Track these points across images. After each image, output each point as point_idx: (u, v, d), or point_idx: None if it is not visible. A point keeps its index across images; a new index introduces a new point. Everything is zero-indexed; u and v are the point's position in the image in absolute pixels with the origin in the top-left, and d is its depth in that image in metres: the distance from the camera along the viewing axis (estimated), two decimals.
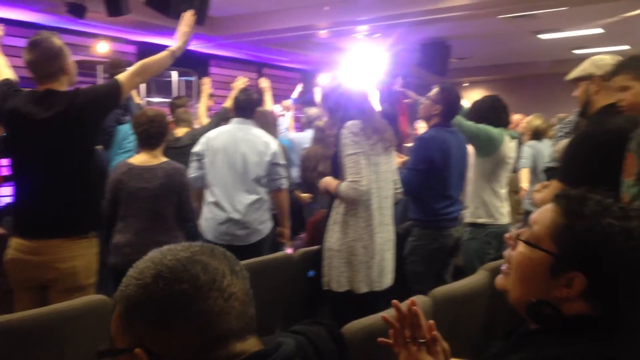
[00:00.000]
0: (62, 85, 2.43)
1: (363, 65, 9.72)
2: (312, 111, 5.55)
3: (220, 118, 4.38)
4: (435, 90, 3.31)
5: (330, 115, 2.76)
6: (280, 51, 9.31)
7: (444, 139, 3.21)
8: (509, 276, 1.08)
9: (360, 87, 2.77)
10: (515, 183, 5.08)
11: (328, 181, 2.70)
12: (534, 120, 5.45)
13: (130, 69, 2.48)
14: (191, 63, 8.50)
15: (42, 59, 2.38)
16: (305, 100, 8.92)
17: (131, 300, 0.81)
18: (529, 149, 5.18)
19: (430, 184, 3.03)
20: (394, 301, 1.25)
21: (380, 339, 1.29)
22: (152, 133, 2.98)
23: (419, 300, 1.86)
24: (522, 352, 0.97)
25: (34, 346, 1.76)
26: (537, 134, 5.27)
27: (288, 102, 6.55)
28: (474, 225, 3.39)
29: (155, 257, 0.83)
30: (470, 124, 3.34)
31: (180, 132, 4.68)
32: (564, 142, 4.04)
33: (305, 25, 7.29)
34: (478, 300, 2.17)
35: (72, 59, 2.50)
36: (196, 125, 4.82)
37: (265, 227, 3.45)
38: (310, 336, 1.49)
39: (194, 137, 4.05)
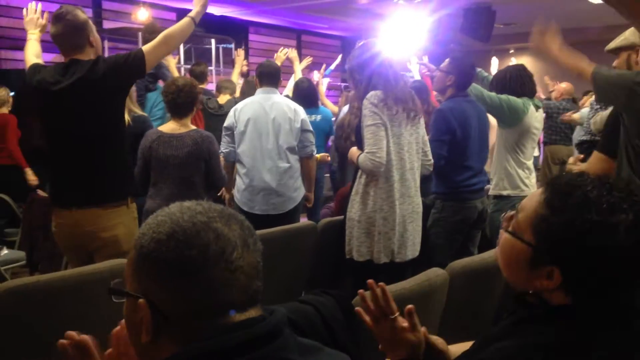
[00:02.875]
0: (88, 56, 2.47)
1: (404, 32, 9.53)
2: None
3: (251, 87, 4.41)
4: (446, 61, 3.23)
5: (354, 85, 2.73)
6: (320, 17, 9.20)
7: (463, 109, 3.14)
8: (499, 259, 1.08)
9: (385, 54, 2.71)
10: None
11: (352, 151, 2.69)
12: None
13: (153, 42, 2.50)
14: (230, 30, 8.51)
15: (66, 32, 2.43)
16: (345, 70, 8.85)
17: (144, 250, 0.83)
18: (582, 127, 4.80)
19: (451, 155, 2.96)
20: (369, 281, 1.27)
21: (357, 308, 1.32)
22: (180, 102, 3.03)
23: (435, 274, 1.86)
24: (504, 341, 0.97)
25: (61, 307, 1.84)
26: None
27: (318, 75, 6.48)
28: (498, 197, 3.35)
29: (174, 213, 0.84)
30: (492, 95, 3.26)
31: (223, 99, 4.77)
32: (603, 114, 3.89)
33: None
34: (497, 276, 2.14)
35: (96, 32, 2.54)
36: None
37: (299, 194, 3.50)
38: (318, 306, 1.52)
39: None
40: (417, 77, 4.40)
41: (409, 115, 2.63)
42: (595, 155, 2.34)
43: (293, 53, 5.27)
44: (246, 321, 0.83)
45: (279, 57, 4.59)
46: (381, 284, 1.25)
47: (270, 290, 2.77)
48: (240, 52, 5.33)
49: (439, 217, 3.10)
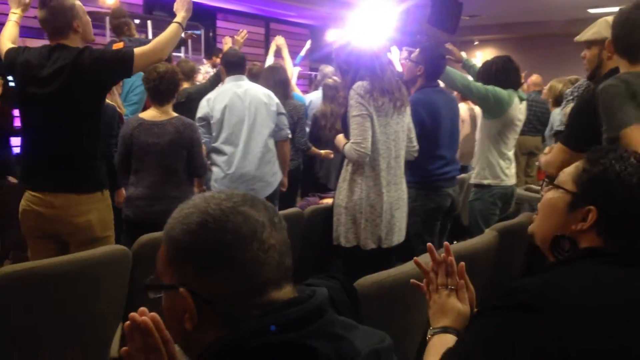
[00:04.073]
0: (74, 43, 2.44)
1: (373, 22, 9.57)
2: (328, 69, 5.49)
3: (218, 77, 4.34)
4: (417, 51, 3.27)
5: (341, 75, 2.76)
6: (289, 5, 9.17)
7: (432, 100, 3.19)
8: (536, 220, 1.21)
9: (371, 45, 2.74)
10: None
11: (339, 139, 2.73)
12: (556, 85, 5.18)
13: (145, 47, 2.50)
14: (198, 16, 8.36)
15: (51, 16, 2.40)
16: (315, 57, 8.83)
17: (178, 243, 0.85)
18: (559, 117, 4.81)
19: (422, 145, 3.00)
20: (430, 248, 1.33)
21: (412, 280, 1.36)
22: (161, 89, 3.01)
23: (423, 261, 1.91)
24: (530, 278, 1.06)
25: (55, 293, 1.82)
26: (560, 100, 4.88)
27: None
28: (479, 186, 3.42)
29: (199, 204, 0.86)
30: (479, 85, 3.31)
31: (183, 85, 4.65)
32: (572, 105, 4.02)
33: None
34: (484, 262, 2.21)
35: (86, 17, 2.50)
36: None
37: (277, 179, 3.52)
38: (329, 289, 1.55)
39: (190, 95, 4.06)
40: (398, 67, 4.44)
41: (396, 104, 2.67)
42: (558, 146, 2.40)
43: (280, 40, 5.27)
44: (294, 299, 0.86)
45: (238, 42, 4.54)
46: (450, 257, 1.32)
47: None
48: (227, 40, 5.28)
49: (413, 206, 3.18)
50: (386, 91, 2.63)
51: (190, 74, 4.78)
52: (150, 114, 3.07)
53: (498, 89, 3.30)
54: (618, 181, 1.07)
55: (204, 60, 7.35)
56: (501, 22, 11.31)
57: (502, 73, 3.38)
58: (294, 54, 7.23)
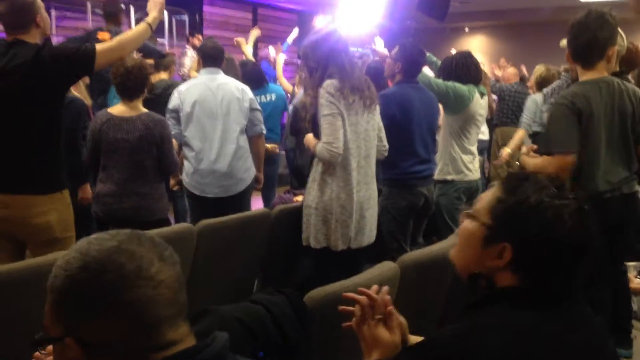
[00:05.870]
0: (33, 38, 2.37)
1: (361, 7, 9.46)
2: None
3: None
4: (396, 48, 3.26)
5: (309, 73, 2.69)
6: None
7: (405, 94, 3.16)
8: (455, 248, 1.16)
9: (340, 40, 2.68)
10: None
11: (309, 139, 2.68)
12: (539, 69, 4.88)
13: (107, 44, 2.43)
14: (183, 1, 8.26)
15: (10, 10, 2.33)
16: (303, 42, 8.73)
17: (60, 291, 0.82)
18: (532, 105, 4.62)
19: (394, 141, 2.96)
20: (360, 289, 1.27)
21: (341, 307, 1.31)
22: (129, 85, 2.94)
23: (387, 267, 1.88)
24: (456, 324, 1.03)
25: (12, 300, 1.78)
26: (542, 84, 4.64)
27: (274, 51, 6.39)
28: (443, 182, 3.44)
29: (82, 247, 0.84)
30: (439, 81, 3.31)
31: (156, 78, 4.55)
32: None
33: None
34: (448, 268, 2.17)
35: (44, 12, 2.43)
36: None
37: (249, 175, 3.46)
38: (269, 306, 1.52)
39: (170, 87, 3.98)
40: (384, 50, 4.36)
41: (365, 103, 2.62)
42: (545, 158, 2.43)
43: (255, 31, 5.23)
44: (191, 349, 0.83)
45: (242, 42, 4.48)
46: (375, 296, 1.25)
47: (224, 279, 2.75)
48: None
49: (386, 203, 3.14)
50: (356, 89, 2.58)
51: (168, 65, 4.69)
52: (119, 110, 3.01)
53: (458, 85, 3.30)
54: (533, 215, 1.00)
55: (187, 47, 7.24)
56: (491, 8, 11.20)
57: (462, 69, 3.38)
58: (282, 40, 7.14)
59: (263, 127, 3.54)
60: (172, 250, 0.87)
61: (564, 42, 2.54)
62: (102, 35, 4.43)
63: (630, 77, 3.64)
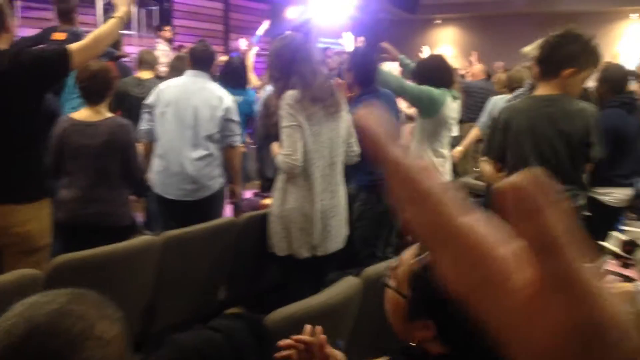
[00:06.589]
0: (4, 44, 2.31)
1: (334, 1, 9.42)
2: None
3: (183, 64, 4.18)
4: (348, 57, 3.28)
5: (273, 81, 2.68)
6: None
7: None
8: (387, 308, 1.10)
9: (305, 48, 2.66)
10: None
11: (273, 147, 2.68)
12: (503, 75, 5.11)
13: (82, 42, 2.37)
14: None
15: None
16: (275, 33, 8.65)
17: None
18: (491, 107, 4.70)
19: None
20: (293, 337, 1.26)
21: (276, 355, 1.29)
22: (94, 89, 2.90)
23: (349, 284, 1.90)
24: None
25: None
26: (511, 85, 4.68)
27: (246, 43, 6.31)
28: None
29: (23, 312, 0.81)
30: (412, 86, 3.33)
31: (144, 75, 4.51)
32: None
33: None
34: None
35: (12, 18, 2.37)
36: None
37: (215, 182, 3.41)
38: (228, 332, 1.53)
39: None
40: (350, 49, 4.35)
41: (329, 111, 2.62)
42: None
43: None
44: None
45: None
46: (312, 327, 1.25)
47: (190, 289, 2.74)
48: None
49: (364, 209, 3.16)
50: (317, 99, 2.57)
51: (153, 64, 4.62)
52: (83, 114, 2.96)
53: (431, 89, 3.32)
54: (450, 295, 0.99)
55: (157, 40, 7.12)
56: (463, 0, 11.26)
57: (434, 72, 3.39)
58: (253, 30, 7.07)
59: (237, 138, 3.46)
60: (114, 307, 0.87)
61: (526, 49, 2.57)
62: (57, 36, 4.27)
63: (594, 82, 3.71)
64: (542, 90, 2.39)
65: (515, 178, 0.30)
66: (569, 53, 2.26)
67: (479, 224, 0.32)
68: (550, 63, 2.31)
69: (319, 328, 1.26)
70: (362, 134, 0.38)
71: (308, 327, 1.26)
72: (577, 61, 2.27)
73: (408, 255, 1.07)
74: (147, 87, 4.15)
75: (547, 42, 2.28)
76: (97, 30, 2.44)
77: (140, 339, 2.37)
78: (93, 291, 0.87)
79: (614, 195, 3.49)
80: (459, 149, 4.64)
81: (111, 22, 2.46)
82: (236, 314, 1.53)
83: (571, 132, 2.34)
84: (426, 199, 0.33)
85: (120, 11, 2.49)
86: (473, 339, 0.96)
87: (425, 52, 5.14)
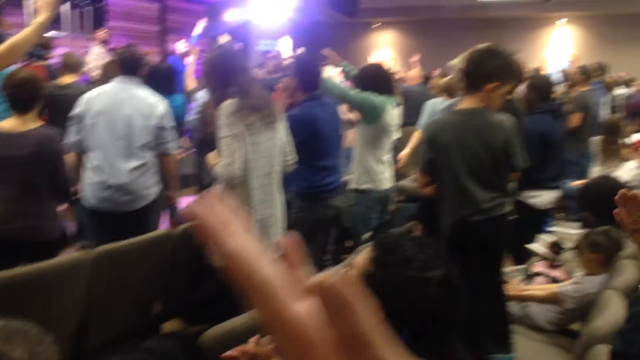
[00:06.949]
0: None
1: (273, 1, 9.39)
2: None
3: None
4: (301, 49, 3.29)
5: (210, 91, 2.65)
6: None
7: (312, 114, 3.16)
8: None
9: (242, 56, 2.65)
10: None
11: (210, 158, 2.64)
12: (439, 80, 5.25)
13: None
14: None
15: None
16: (213, 34, 8.53)
17: None
18: (429, 109, 4.85)
19: (305, 157, 2.96)
20: (238, 349, 1.27)
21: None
22: (20, 98, 2.79)
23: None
24: None
25: None
26: (448, 91, 4.77)
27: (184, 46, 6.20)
28: (358, 191, 3.51)
29: None
30: (352, 93, 3.37)
31: (67, 79, 4.34)
32: None
33: None
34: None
35: None
36: None
37: (151, 192, 3.33)
38: (162, 353, 1.50)
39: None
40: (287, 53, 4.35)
41: (266, 121, 2.62)
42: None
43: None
44: None
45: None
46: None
47: (125, 305, 2.66)
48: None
49: (299, 216, 3.17)
50: (256, 108, 2.56)
51: (77, 68, 4.45)
52: (10, 124, 2.83)
53: (372, 96, 3.36)
54: (399, 293, 1.02)
55: (91, 42, 6.89)
56: (399, 5, 11.48)
57: (374, 80, 3.44)
58: (190, 32, 6.95)
59: (172, 145, 3.39)
60: (49, 342, 0.83)
61: (453, 62, 2.64)
62: None
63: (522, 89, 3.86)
64: (467, 103, 2.46)
65: (323, 277, 0.34)
66: (492, 68, 2.34)
67: (304, 315, 0.35)
68: (475, 77, 2.38)
69: (265, 339, 1.26)
70: (198, 227, 0.40)
71: (253, 338, 1.26)
72: (499, 76, 2.35)
73: (361, 257, 1.11)
74: (70, 91, 4.01)
75: (472, 56, 2.36)
76: (15, 37, 2.34)
77: (73, 359, 2.29)
78: (20, 322, 0.83)
79: (542, 197, 3.65)
80: (407, 151, 4.73)
81: (31, 28, 2.36)
82: (171, 333, 1.51)
83: (494, 144, 2.42)
84: (259, 290, 0.36)
85: (42, 17, 2.39)
86: (418, 334, 0.98)
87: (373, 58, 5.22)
